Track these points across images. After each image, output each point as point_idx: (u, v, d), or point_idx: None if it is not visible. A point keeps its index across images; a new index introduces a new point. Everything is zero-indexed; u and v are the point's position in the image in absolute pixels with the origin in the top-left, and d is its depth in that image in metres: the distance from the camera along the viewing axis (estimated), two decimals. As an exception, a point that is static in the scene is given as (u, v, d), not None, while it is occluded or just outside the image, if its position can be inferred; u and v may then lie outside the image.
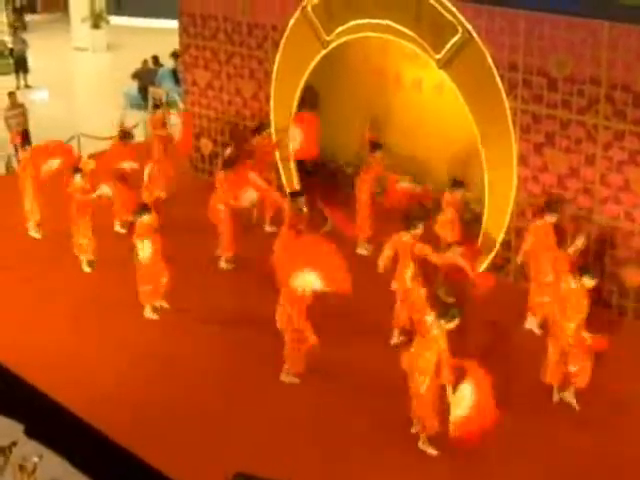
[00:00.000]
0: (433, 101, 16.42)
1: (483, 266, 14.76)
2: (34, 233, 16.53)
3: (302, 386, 12.01)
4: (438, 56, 14.53)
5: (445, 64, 14.50)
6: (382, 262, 12.64)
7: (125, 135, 17.03)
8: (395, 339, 12.75)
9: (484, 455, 10.45)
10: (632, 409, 11.53)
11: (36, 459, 9.15)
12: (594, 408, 11.42)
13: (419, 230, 12.48)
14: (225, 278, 14.95)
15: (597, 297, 13.55)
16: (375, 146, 15.55)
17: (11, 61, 28.88)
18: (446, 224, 14.13)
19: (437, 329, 10.24)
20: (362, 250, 15.38)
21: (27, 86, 27.99)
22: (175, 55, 24.36)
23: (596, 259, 13.50)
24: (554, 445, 10.84)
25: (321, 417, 11.48)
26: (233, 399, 11.90)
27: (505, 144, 14.11)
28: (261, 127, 17.00)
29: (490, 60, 13.92)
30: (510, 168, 14.17)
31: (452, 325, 10.30)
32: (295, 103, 17.03)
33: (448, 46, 14.33)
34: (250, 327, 13.25)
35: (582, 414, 11.38)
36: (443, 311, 10.40)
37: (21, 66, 28.26)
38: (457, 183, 14.21)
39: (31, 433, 11.60)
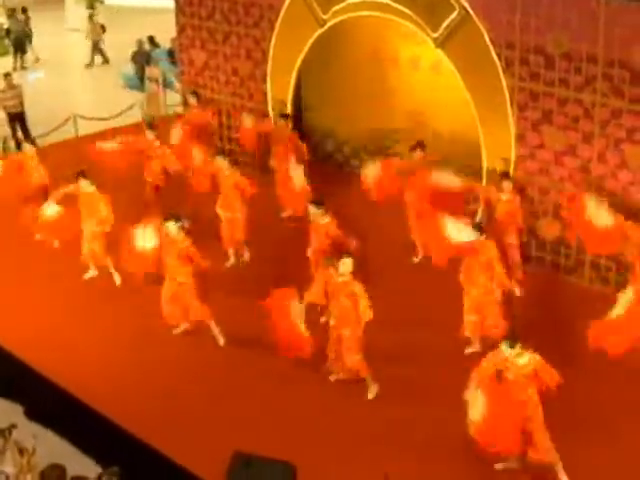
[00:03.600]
0: (430, 80, 16.39)
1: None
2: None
3: (306, 372, 11.92)
4: (435, 35, 14.49)
5: (442, 43, 14.47)
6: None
7: None
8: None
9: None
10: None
11: (33, 440, 9.13)
12: None
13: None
14: (224, 259, 14.88)
15: (596, 274, 13.66)
16: (416, 146, 14.54)
17: (7, 42, 28.84)
18: None
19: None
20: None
21: (23, 67, 27.93)
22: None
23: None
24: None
25: (323, 402, 11.47)
26: (234, 382, 11.91)
27: (502, 122, 14.09)
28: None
29: (487, 38, 13.88)
30: (508, 146, 14.15)
31: None
32: (292, 83, 17.01)
33: (445, 24, 14.29)
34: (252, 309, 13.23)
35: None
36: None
37: (19, 47, 28.20)
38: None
39: (31, 415, 11.65)
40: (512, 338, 9.59)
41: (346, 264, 11.10)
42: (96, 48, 28.40)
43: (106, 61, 28.53)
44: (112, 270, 14.25)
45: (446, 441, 10.51)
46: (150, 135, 15.88)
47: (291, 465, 9.33)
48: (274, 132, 16.53)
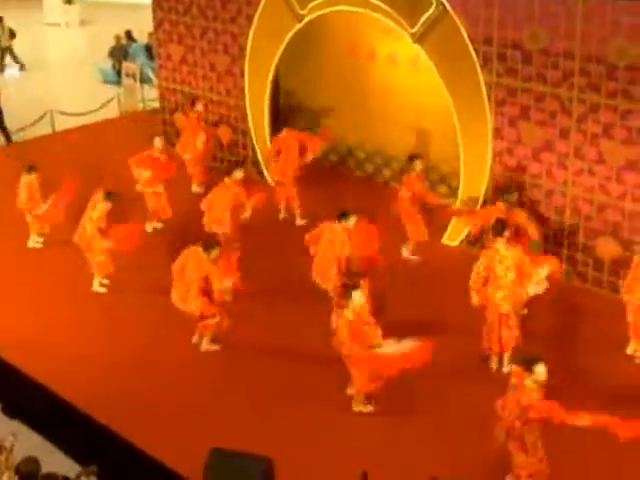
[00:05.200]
0: (408, 75, 16.39)
1: (459, 239, 14.88)
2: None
3: (284, 367, 11.95)
4: (413, 30, 14.50)
5: (420, 38, 14.48)
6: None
7: None
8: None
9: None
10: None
11: (12, 438, 9.03)
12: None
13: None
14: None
15: (572, 270, 13.72)
16: (413, 157, 14.40)
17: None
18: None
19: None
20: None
21: (16, 61, 27.61)
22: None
23: (570, 232, 13.59)
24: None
25: (302, 396, 11.45)
26: (215, 379, 11.88)
27: (480, 118, 14.12)
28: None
29: (465, 34, 13.91)
30: (485, 142, 14.19)
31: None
32: (269, 78, 16.98)
33: (422, 20, 14.30)
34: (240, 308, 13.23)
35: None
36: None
37: None
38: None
39: (8, 412, 11.59)
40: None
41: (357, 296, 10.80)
42: (8, 53, 27.53)
43: (22, 67, 27.66)
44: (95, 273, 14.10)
45: (431, 440, 10.56)
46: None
47: (269, 460, 9.33)
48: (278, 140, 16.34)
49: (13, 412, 11.57)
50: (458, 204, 14.71)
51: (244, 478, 9.08)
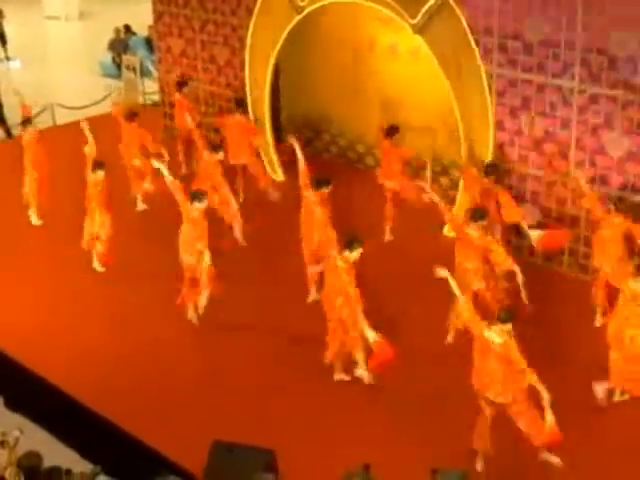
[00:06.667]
0: (408, 66, 16.37)
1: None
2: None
3: (283, 357, 11.98)
4: (413, 21, 14.46)
5: (420, 29, 14.44)
6: None
7: None
8: None
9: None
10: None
11: (18, 433, 8.98)
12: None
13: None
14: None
15: (574, 260, 13.72)
16: (391, 131, 14.47)
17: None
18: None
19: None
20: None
21: (7, 58, 27.57)
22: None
23: (572, 223, 13.58)
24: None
25: (303, 387, 11.46)
26: (214, 368, 11.91)
27: (481, 109, 14.10)
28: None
29: (465, 24, 13.88)
30: (486, 133, 14.17)
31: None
32: (269, 70, 16.95)
33: (423, 11, 14.27)
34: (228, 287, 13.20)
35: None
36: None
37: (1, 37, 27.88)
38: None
39: (10, 405, 11.59)
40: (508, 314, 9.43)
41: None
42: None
43: None
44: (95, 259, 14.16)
45: (433, 431, 10.55)
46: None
47: (272, 452, 9.33)
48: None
49: (15, 405, 11.57)
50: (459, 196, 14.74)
51: (247, 470, 9.08)
